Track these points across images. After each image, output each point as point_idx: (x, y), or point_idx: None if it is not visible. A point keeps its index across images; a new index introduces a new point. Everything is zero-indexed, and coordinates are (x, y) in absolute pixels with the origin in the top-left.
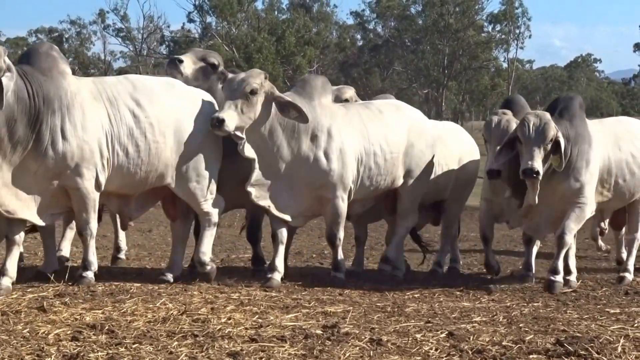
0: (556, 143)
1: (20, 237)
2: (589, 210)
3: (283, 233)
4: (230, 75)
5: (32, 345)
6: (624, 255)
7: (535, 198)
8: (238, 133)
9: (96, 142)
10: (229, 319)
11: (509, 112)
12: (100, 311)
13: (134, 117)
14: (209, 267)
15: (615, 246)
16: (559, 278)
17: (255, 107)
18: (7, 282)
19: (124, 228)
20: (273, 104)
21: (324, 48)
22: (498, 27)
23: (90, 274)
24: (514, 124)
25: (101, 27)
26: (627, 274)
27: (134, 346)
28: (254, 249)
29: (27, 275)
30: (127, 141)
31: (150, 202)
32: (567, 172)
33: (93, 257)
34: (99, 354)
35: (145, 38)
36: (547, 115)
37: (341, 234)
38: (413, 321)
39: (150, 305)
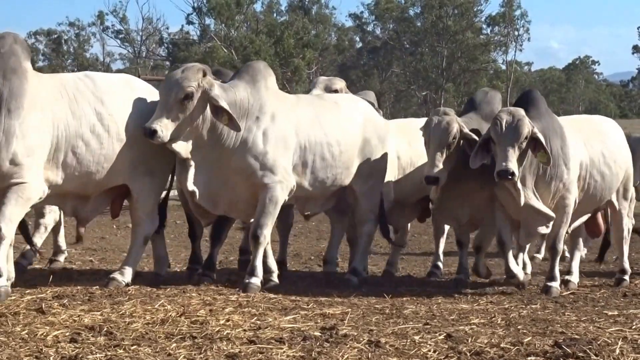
0: (533, 140)
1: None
2: (572, 208)
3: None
4: (166, 74)
5: (30, 347)
6: (575, 268)
7: (522, 200)
8: (177, 149)
9: (55, 141)
10: (228, 320)
11: (451, 111)
12: (98, 313)
13: (96, 114)
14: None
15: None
16: (556, 284)
17: (191, 110)
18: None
19: (79, 237)
20: None
21: (322, 50)
22: (496, 30)
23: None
24: (455, 125)
25: (100, 29)
26: (625, 276)
27: (132, 348)
28: (193, 247)
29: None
30: (90, 138)
31: (105, 203)
32: (546, 173)
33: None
34: (98, 355)
35: (144, 40)
36: (521, 111)
37: (267, 230)
38: (411, 323)
39: (149, 307)
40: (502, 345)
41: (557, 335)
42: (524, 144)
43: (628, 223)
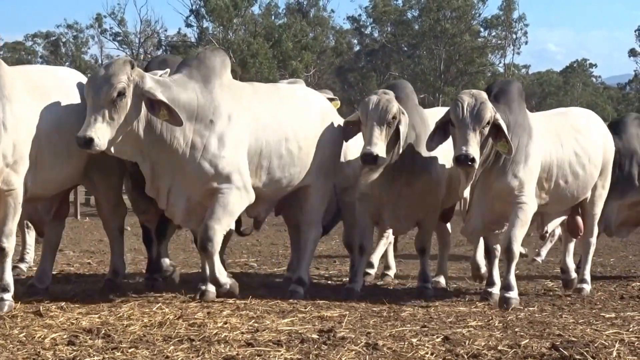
0: (495, 127)
1: None
2: (531, 210)
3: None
4: (89, 75)
5: (28, 349)
6: (570, 263)
7: (465, 191)
8: (119, 154)
9: (31, 138)
10: (225, 323)
11: (390, 92)
12: (96, 315)
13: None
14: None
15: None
16: (514, 294)
17: (126, 109)
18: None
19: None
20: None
21: (320, 53)
22: (494, 33)
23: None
24: (395, 105)
25: (98, 31)
26: (584, 285)
27: (130, 350)
28: (149, 254)
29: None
30: (58, 136)
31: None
32: (504, 168)
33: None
34: (95, 358)
35: (142, 42)
36: (484, 94)
37: (218, 238)
38: (409, 325)
39: (147, 310)
40: (499, 347)
41: (554, 337)
42: (486, 130)
43: (597, 228)
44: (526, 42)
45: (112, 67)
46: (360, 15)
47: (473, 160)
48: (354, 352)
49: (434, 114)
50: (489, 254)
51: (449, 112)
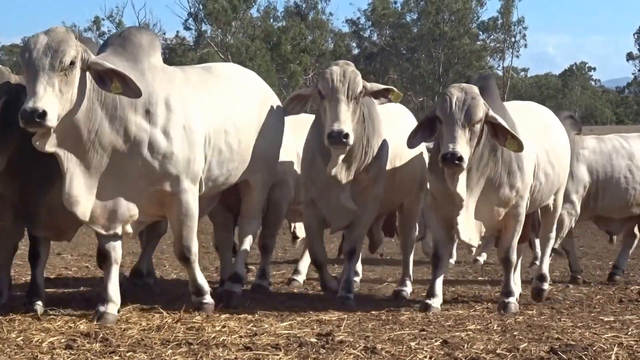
0: (491, 125)
1: None
2: (524, 214)
3: (116, 250)
4: (27, 41)
5: (25, 353)
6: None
7: (460, 193)
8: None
9: None
10: (224, 327)
11: (351, 63)
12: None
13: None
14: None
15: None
16: (514, 299)
17: (74, 83)
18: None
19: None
20: (88, 74)
21: (319, 56)
22: (493, 36)
23: None
24: (360, 77)
25: (96, 34)
26: (544, 283)
27: (128, 354)
28: (33, 274)
29: None
30: None
31: None
32: (501, 177)
33: None
34: None
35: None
36: (475, 89)
37: (195, 247)
38: (407, 329)
39: (145, 314)
40: (497, 351)
41: (553, 341)
42: (477, 127)
43: (555, 226)
44: (525, 45)
45: (56, 33)
46: (359, 18)
47: (461, 159)
48: (352, 355)
49: None
50: (437, 261)
51: (436, 107)
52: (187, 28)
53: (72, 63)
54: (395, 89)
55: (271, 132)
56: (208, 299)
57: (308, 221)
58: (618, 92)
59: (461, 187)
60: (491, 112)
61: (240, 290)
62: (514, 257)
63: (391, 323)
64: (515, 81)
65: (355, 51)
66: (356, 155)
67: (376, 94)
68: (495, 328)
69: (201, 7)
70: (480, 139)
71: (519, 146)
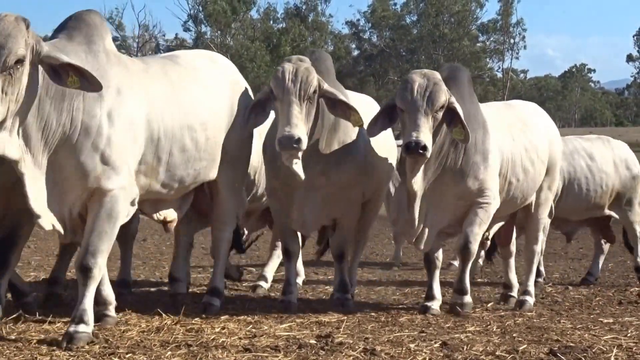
0: (450, 112)
1: None
2: (494, 209)
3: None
4: None
5: (25, 354)
6: (513, 277)
7: (413, 184)
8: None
9: None
10: (223, 328)
11: (306, 59)
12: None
13: None
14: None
15: (503, 267)
16: (467, 299)
17: (22, 80)
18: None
19: None
20: (40, 67)
21: None
22: (493, 37)
23: None
24: (315, 75)
25: None
26: (527, 297)
27: (127, 356)
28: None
29: None
30: None
31: None
32: (463, 169)
33: None
34: None
35: (140, 47)
36: (437, 74)
37: (103, 259)
38: (407, 331)
39: (144, 315)
40: (497, 353)
41: (552, 343)
42: (439, 114)
43: (542, 235)
44: (525, 47)
45: (3, 25)
46: (358, 20)
47: (425, 148)
48: (351, 357)
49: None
50: (429, 264)
51: (396, 95)
52: (186, 29)
53: (19, 62)
54: (357, 113)
55: (243, 125)
56: (84, 329)
57: (275, 207)
58: (618, 93)
59: (417, 180)
60: (452, 99)
61: (218, 303)
62: (474, 247)
63: (390, 325)
64: (515, 83)
65: (355, 53)
66: (317, 158)
67: (334, 104)
68: (494, 330)
69: (201, 8)
70: (442, 126)
71: (465, 137)
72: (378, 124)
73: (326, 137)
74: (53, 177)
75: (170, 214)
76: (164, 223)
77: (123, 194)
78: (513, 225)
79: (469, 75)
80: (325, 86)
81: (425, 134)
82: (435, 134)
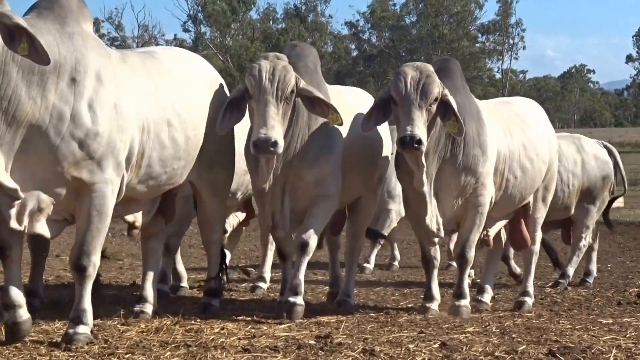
0: (443, 104)
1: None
2: (487, 208)
3: (14, 249)
4: None
5: (24, 355)
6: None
7: (423, 178)
8: None
9: None
10: (222, 329)
11: (283, 56)
12: (93, 321)
13: None
14: None
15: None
16: (465, 302)
17: None
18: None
19: None
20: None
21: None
22: (492, 38)
23: None
24: (293, 75)
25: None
26: (526, 298)
27: (126, 356)
28: None
29: None
30: None
31: None
32: (461, 163)
33: None
34: None
35: (140, 47)
36: (430, 67)
37: (97, 256)
38: (406, 331)
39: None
40: (496, 353)
41: (551, 343)
42: (434, 107)
43: (540, 234)
44: (524, 48)
45: None
46: (358, 20)
47: (420, 142)
48: (351, 358)
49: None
50: (427, 264)
51: (389, 89)
52: (186, 30)
53: None
54: (336, 112)
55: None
56: (83, 330)
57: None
58: (617, 94)
59: (424, 177)
60: (445, 91)
61: (217, 303)
62: (471, 254)
63: (390, 325)
64: (514, 83)
65: (355, 53)
66: (288, 159)
67: (312, 102)
68: (493, 330)
69: (200, 9)
70: (436, 119)
71: (459, 130)
72: (372, 119)
73: (301, 136)
74: (25, 156)
75: (139, 218)
76: (131, 227)
77: (110, 188)
78: (522, 229)
79: (460, 68)
80: (302, 84)
81: (419, 128)
82: (429, 128)
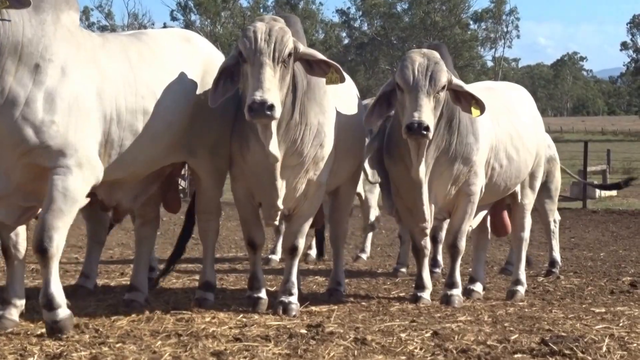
0: (453, 92)
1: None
2: (479, 197)
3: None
4: None
5: (15, 344)
6: (480, 272)
7: (420, 169)
8: None
9: None
10: (213, 318)
11: (280, 19)
12: (83, 310)
13: None
14: None
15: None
16: (457, 292)
17: None
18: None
19: None
20: None
21: (309, 46)
22: (484, 26)
23: None
24: (290, 37)
25: (85, 25)
26: (519, 287)
27: (117, 345)
28: None
29: None
30: None
31: None
32: (457, 151)
33: None
34: (82, 353)
35: None
36: (437, 54)
37: (60, 237)
38: (398, 320)
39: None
40: (488, 342)
41: (543, 332)
42: (441, 95)
43: (530, 221)
44: (518, 36)
45: None
46: (349, 8)
47: (427, 129)
48: (342, 347)
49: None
50: (417, 253)
51: (394, 77)
52: (174, 19)
53: None
54: (338, 72)
55: (216, 110)
56: (62, 314)
57: (239, 194)
58: (611, 82)
59: (422, 167)
60: (454, 79)
61: (212, 297)
62: (462, 244)
63: (381, 314)
64: (507, 71)
65: (346, 41)
66: (288, 132)
67: (311, 64)
68: (485, 319)
69: None
70: (443, 108)
71: (482, 108)
72: (375, 113)
73: (299, 107)
74: None
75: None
76: (116, 214)
77: (75, 171)
78: (503, 215)
79: (448, 53)
80: (302, 48)
81: (427, 114)
82: (437, 115)
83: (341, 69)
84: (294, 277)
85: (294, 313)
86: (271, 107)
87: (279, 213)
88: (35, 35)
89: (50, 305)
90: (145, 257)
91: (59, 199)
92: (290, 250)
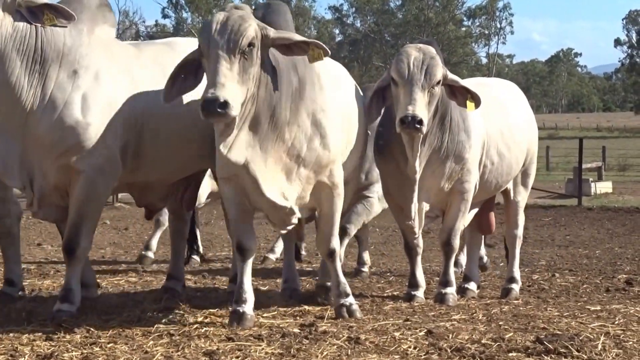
0: (448, 87)
1: None
2: (472, 194)
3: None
4: None
5: (5, 345)
6: (475, 270)
7: (416, 165)
8: None
9: None
10: (206, 317)
11: (246, 6)
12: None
13: None
14: None
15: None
16: (451, 290)
17: None
18: None
19: None
20: (5, 16)
21: None
22: (478, 22)
23: None
24: (252, 24)
25: None
26: (513, 285)
27: (109, 345)
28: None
29: None
30: None
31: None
32: (449, 149)
33: None
34: (74, 353)
35: (121, 33)
36: (432, 49)
37: (87, 241)
38: (391, 319)
39: (126, 304)
40: (483, 341)
41: (538, 330)
42: (436, 90)
43: (523, 218)
44: (512, 32)
45: None
46: (342, 5)
47: (421, 122)
48: (335, 346)
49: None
50: (410, 252)
51: (389, 71)
52: (165, 16)
53: None
54: (319, 47)
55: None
56: (67, 307)
57: (227, 195)
58: (606, 78)
59: (417, 163)
60: (450, 74)
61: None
62: (456, 242)
63: (375, 313)
64: (501, 67)
65: (339, 38)
66: (262, 129)
67: (290, 47)
68: (480, 318)
69: None
70: (437, 104)
71: (477, 102)
72: (375, 107)
73: (290, 104)
74: (24, 139)
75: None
76: (147, 210)
77: (100, 175)
78: (490, 214)
79: (439, 49)
80: (273, 33)
81: (421, 108)
82: (432, 110)
83: (322, 44)
84: (342, 278)
85: (358, 314)
86: (224, 105)
87: (291, 218)
88: (74, 44)
89: (65, 298)
90: (181, 248)
91: (84, 204)
92: (329, 255)
